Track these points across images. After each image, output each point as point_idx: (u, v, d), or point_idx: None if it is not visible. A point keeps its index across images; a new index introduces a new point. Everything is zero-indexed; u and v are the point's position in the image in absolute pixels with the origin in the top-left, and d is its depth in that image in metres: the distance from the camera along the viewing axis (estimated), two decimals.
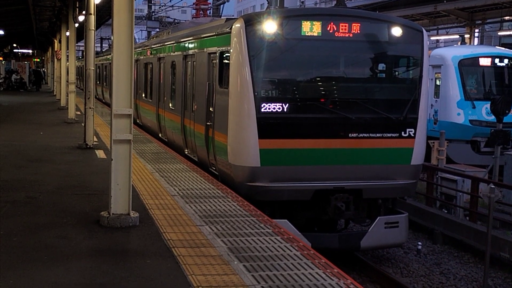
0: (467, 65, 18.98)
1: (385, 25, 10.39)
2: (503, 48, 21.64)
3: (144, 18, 49.50)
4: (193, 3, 47.86)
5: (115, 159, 7.27)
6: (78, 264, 5.89)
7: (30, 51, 59.52)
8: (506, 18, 26.74)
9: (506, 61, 19.19)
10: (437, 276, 11.04)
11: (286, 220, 9.47)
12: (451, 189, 14.02)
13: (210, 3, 42.17)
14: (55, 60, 34.65)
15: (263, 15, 10.03)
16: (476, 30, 30.24)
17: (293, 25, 9.96)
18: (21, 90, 44.68)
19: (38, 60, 66.86)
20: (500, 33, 32.90)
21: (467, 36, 27.01)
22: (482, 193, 11.12)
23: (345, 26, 9.99)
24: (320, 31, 9.91)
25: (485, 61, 19.08)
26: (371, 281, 10.48)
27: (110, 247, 6.51)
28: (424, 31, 10.71)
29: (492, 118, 16.26)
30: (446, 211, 14.06)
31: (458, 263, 11.80)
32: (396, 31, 10.31)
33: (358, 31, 10.06)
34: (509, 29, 32.90)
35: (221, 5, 33.13)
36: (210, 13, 40.12)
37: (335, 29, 9.95)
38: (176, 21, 45.25)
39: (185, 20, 38.43)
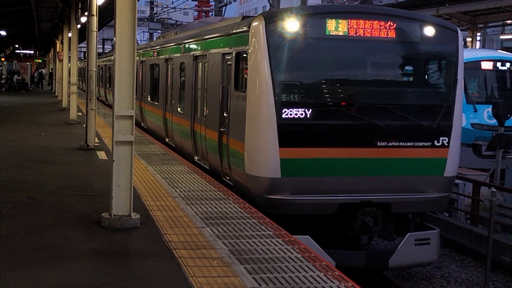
0: (469, 69, 18.90)
1: (417, 24, 9.61)
2: (505, 52, 21.62)
3: (146, 20, 49.59)
4: (195, 5, 47.89)
5: (117, 160, 7.28)
6: (79, 264, 5.88)
7: (32, 52, 59.63)
8: (508, 22, 26.78)
9: (508, 65, 19.16)
10: (438, 279, 11.03)
11: (308, 237, 8.66)
12: (452, 192, 14.00)
13: (212, 5, 42.20)
14: (57, 61, 34.69)
15: (285, 12, 9.26)
16: (478, 34, 30.25)
17: (317, 24, 9.19)
18: (23, 91, 44.75)
19: (40, 61, 66.99)
20: (502, 37, 32.93)
21: (469, 39, 27.02)
22: (483, 197, 11.10)
23: (373, 25, 9.24)
24: (346, 30, 9.14)
25: (487, 65, 19.06)
26: (371, 284, 10.45)
27: (111, 248, 6.51)
28: (459, 31, 9.89)
29: (493, 121, 16.24)
30: (447, 215, 14.04)
31: (459, 266, 11.79)
32: (429, 31, 9.54)
33: (388, 31, 9.30)
34: (511, 33, 32.92)
35: (223, 7, 33.19)
36: (212, 15, 40.16)
37: (362, 28, 9.20)
38: (178, 22, 45.29)
39: (187, 22, 38.48)
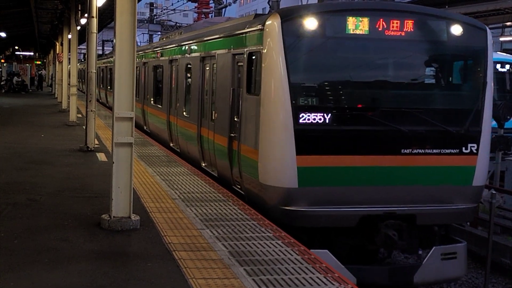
0: None
1: (443, 22, 8.98)
2: (505, 54, 21.66)
3: (145, 22, 49.62)
4: (195, 7, 47.94)
5: (116, 162, 7.28)
6: (79, 266, 5.88)
7: (32, 53, 59.68)
8: (508, 23, 26.77)
9: (507, 66, 19.20)
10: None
11: (327, 251, 8.04)
12: None
13: (212, 7, 42.25)
14: (57, 62, 34.72)
15: (302, 9, 8.69)
16: None
17: (336, 22, 8.61)
18: (23, 93, 44.79)
19: (39, 62, 66.99)
20: (501, 39, 32.93)
21: None
22: (483, 199, 11.09)
23: (397, 23, 8.59)
24: (367, 29, 8.50)
25: None
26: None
27: (111, 250, 6.51)
28: (488, 30, 9.24)
29: (493, 123, 16.25)
30: None
31: None
32: (456, 30, 8.88)
33: (412, 29, 8.68)
34: (510, 35, 32.95)
35: (223, 9, 33.25)
36: (212, 16, 40.18)
37: (385, 26, 8.56)
38: (178, 24, 45.32)
39: (187, 24, 38.50)
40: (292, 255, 6.36)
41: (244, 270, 5.80)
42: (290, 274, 5.76)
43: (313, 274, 5.78)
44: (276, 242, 6.82)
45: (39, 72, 58.84)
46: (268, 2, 20.49)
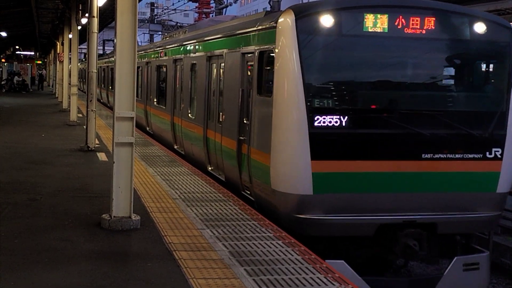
0: None
1: (466, 19, 8.57)
2: None
3: (146, 21, 49.66)
4: (196, 7, 47.98)
5: (117, 161, 7.28)
6: (79, 266, 5.88)
7: (33, 53, 59.74)
8: None
9: None
10: None
11: (343, 261, 7.62)
12: None
13: (212, 7, 42.28)
14: (58, 62, 34.74)
15: (317, 6, 8.23)
16: None
17: (353, 19, 8.20)
18: (23, 92, 44.81)
19: (40, 62, 67.04)
20: None
21: None
22: None
23: (417, 20, 8.17)
24: (386, 26, 8.09)
25: None
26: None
27: (111, 250, 6.51)
28: None
29: None
30: None
31: None
32: (480, 28, 8.46)
33: (433, 27, 8.24)
34: None
35: (224, 9, 33.26)
36: (212, 16, 40.21)
37: (405, 24, 8.14)
38: (178, 24, 45.37)
39: (188, 24, 38.51)
40: (292, 255, 6.35)
41: (245, 270, 5.80)
42: (290, 274, 5.76)
43: (313, 274, 5.78)
44: (277, 242, 6.82)
45: (40, 72, 58.95)
46: (269, 2, 20.46)
